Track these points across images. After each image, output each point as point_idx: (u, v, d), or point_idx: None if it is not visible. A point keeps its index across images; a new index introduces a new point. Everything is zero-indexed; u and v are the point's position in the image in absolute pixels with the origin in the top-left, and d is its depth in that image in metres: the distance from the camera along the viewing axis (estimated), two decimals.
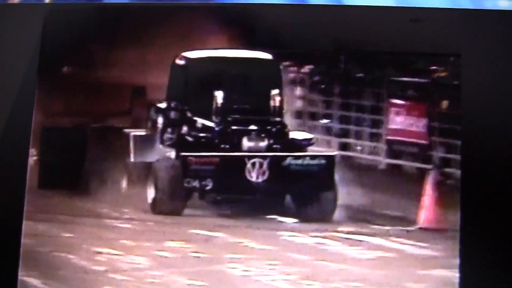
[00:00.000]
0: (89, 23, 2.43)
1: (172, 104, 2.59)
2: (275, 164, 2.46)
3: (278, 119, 2.54)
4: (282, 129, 2.53)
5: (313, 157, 2.46)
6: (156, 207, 2.49)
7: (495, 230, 2.04)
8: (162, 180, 2.50)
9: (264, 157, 2.46)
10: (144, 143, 2.62)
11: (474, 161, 2.08)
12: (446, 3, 2.17)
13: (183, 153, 2.48)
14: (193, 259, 2.22)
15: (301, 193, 2.46)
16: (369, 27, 2.26)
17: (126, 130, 2.62)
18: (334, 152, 2.49)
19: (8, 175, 2.28)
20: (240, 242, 2.27)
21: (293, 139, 2.52)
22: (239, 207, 2.45)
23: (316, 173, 2.45)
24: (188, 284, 2.16)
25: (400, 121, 2.43)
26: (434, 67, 2.29)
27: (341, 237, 2.24)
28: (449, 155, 2.25)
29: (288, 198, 2.48)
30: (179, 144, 2.55)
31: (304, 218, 2.42)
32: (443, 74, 2.27)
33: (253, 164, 2.45)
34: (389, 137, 2.47)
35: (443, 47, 2.22)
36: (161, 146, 2.59)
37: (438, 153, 2.33)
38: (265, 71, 2.54)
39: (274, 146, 2.52)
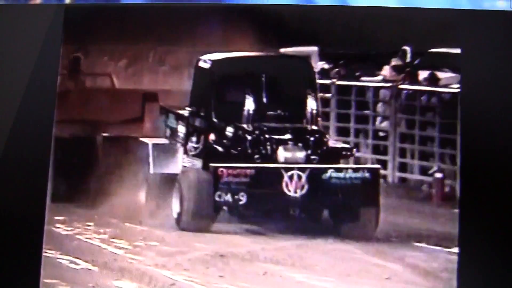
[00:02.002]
0: (102, 24, 2.24)
1: (197, 111, 2.37)
2: (315, 177, 2.24)
3: (315, 127, 2.33)
4: (321, 138, 2.31)
5: (356, 169, 2.25)
6: (182, 223, 2.26)
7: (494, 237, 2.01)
8: (188, 193, 2.27)
9: (303, 169, 2.24)
10: (165, 153, 2.38)
11: (474, 163, 2.03)
12: (445, 4, 2.15)
13: (213, 164, 2.25)
14: None
15: (341, 209, 2.25)
16: (368, 27, 2.16)
17: (143, 139, 2.39)
18: (378, 165, 2.30)
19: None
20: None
21: (333, 148, 2.31)
22: (273, 223, 2.24)
23: (359, 187, 2.24)
24: None
25: None
26: None
27: None
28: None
29: (326, 213, 2.26)
30: (207, 153, 2.31)
31: (342, 235, 2.22)
32: None
33: (291, 177, 2.23)
34: None
35: (443, 47, 2.14)
36: (184, 156, 2.36)
37: None
38: (297, 72, 2.33)
39: (313, 157, 2.30)
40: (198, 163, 2.32)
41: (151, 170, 2.36)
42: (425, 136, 2.32)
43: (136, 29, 2.25)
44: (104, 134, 2.36)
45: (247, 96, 2.32)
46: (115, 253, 2.17)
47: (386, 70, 2.28)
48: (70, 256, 2.14)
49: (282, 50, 2.24)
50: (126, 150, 2.34)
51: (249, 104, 2.32)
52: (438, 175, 2.26)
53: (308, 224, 2.24)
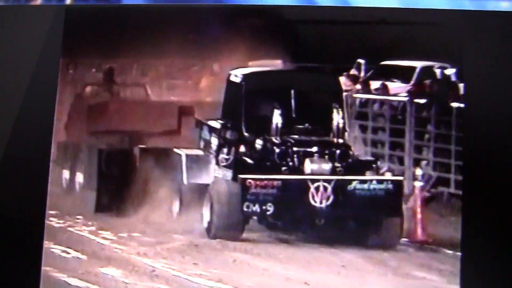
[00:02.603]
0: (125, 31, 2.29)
1: (228, 123, 2.46)
2: (340, 188, 2.32)
3: (341, 140, 2.41)
4: (347, 151, 2.39)
5: (380, 181, 2.32)
6: (212, 232, 2.35)
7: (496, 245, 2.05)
8: (218, 203, 2.36)
9: (328, 181, 2.32)
10: (198, 164, 2.48)
11: (476, 168, 2.06)
12: (447, 5, 2.16)
13: (242, 176, 2.34)
14: None
15: (366, 219, 2.33)
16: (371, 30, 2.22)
17: (177, 150, 2.48)
18: (401, 177, 2.37)
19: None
20: None
21: (358, 161, 2.38)
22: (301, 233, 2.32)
23: (382, 198, 2.31)
24: None
25: None
26: None
27: None
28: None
29: (351, 224, 2.34)
30: (237, 165, 2.40)
31: (367, 245, 2.30)
32: None
33: (317, 188, 2.31)
34: None
35: (445, 48, 2.17)
36: (216, 167, 2.45)
37: None
38: (325, 86, 2.40)
39: (338, 169, 2.37)
40: (229, 174, 2.41)
41: (185, 181, 2.46)
42: (377, 140, 2.45)
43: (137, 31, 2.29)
44: (141, 146, 2.45)
45: (276, 109, 2.40)
46: (102, 243, 2.35)
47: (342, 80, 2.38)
48: (62, 246, 2.29)
49: (250, 63, 2.33)
50: (160, 161, 2.44)
51: (278, 118, 2.40)
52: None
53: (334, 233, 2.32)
